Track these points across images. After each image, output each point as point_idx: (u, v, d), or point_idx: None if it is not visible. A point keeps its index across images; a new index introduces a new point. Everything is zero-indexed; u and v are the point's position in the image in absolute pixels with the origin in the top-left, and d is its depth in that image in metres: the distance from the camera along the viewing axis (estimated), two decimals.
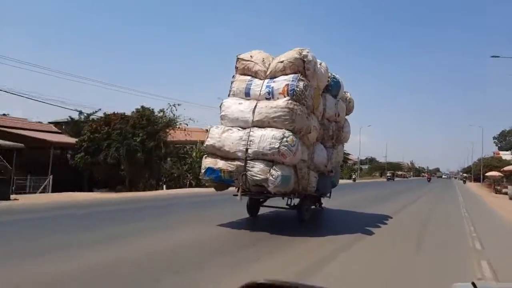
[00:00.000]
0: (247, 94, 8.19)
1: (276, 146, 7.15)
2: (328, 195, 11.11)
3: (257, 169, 7.30)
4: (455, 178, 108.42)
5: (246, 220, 9.05)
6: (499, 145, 74.90)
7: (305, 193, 8.61)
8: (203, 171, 7.89)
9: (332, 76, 9.75)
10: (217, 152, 7.81)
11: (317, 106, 8.59)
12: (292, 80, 7.68)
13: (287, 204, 9.13)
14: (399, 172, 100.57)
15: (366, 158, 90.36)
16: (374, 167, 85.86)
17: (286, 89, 7.64)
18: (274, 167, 7.21)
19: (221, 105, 8.31)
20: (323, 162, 9.38)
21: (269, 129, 7.47)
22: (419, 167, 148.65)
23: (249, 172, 7.36)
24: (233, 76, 8.61)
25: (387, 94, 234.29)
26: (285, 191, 7.60)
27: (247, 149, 7.40)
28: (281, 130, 7.35)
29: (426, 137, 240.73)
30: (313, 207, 11.97)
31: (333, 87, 9.70)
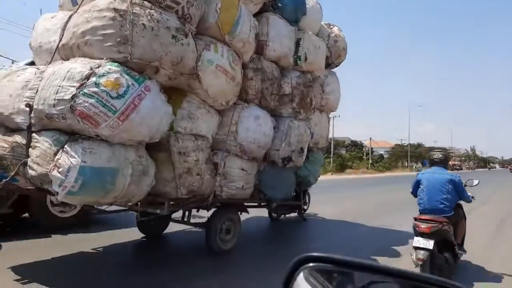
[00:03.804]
0: (74, 2, 4.05)
1: (67, 97, 2.98)
2: (302, 200, 6.63)
3: (36, 153, 3.19)
4: None
5: (131, 249, 4.99)
6: None
7: (205, 199, 4.36)
8: None
9: None
10: None
11: (229, 24, 4.19)
12: None
13: (183, 219, 4.89)
14: (451, 163, 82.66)
15: (408, 144, 60.26)
16: (397, 153, 59.37)
17: None
18: (67, 147, 3.03)
19: (34, 27, 4.28)
20: (263, 142, 4.98)
21: (71, 60, 3.31)
22: (488, 156, 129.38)
23: (30, 159, 3.27)
24: None
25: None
26: (111, 201, 3.39)
27: (31, 108, 3.30)
28: (95, 61, 3.15)
29: (495, 124, 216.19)
30: (294, 214, 7.66)
31: (285, 2, 5.20)
